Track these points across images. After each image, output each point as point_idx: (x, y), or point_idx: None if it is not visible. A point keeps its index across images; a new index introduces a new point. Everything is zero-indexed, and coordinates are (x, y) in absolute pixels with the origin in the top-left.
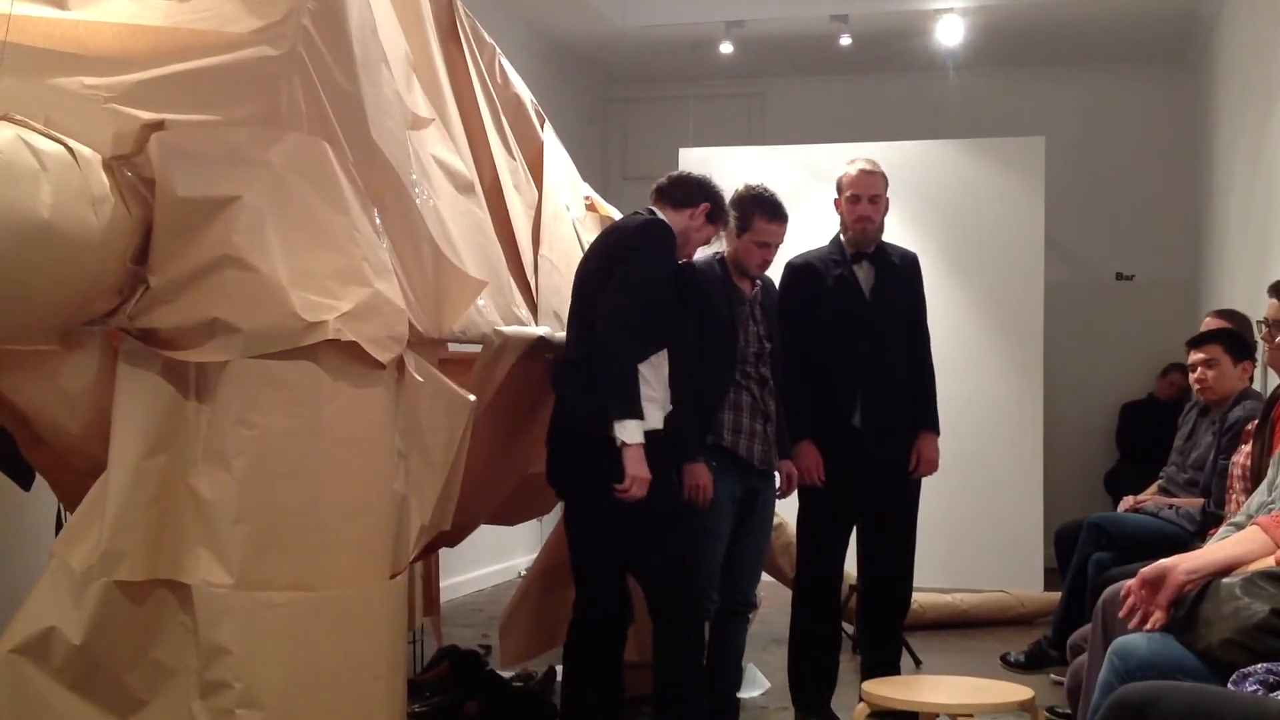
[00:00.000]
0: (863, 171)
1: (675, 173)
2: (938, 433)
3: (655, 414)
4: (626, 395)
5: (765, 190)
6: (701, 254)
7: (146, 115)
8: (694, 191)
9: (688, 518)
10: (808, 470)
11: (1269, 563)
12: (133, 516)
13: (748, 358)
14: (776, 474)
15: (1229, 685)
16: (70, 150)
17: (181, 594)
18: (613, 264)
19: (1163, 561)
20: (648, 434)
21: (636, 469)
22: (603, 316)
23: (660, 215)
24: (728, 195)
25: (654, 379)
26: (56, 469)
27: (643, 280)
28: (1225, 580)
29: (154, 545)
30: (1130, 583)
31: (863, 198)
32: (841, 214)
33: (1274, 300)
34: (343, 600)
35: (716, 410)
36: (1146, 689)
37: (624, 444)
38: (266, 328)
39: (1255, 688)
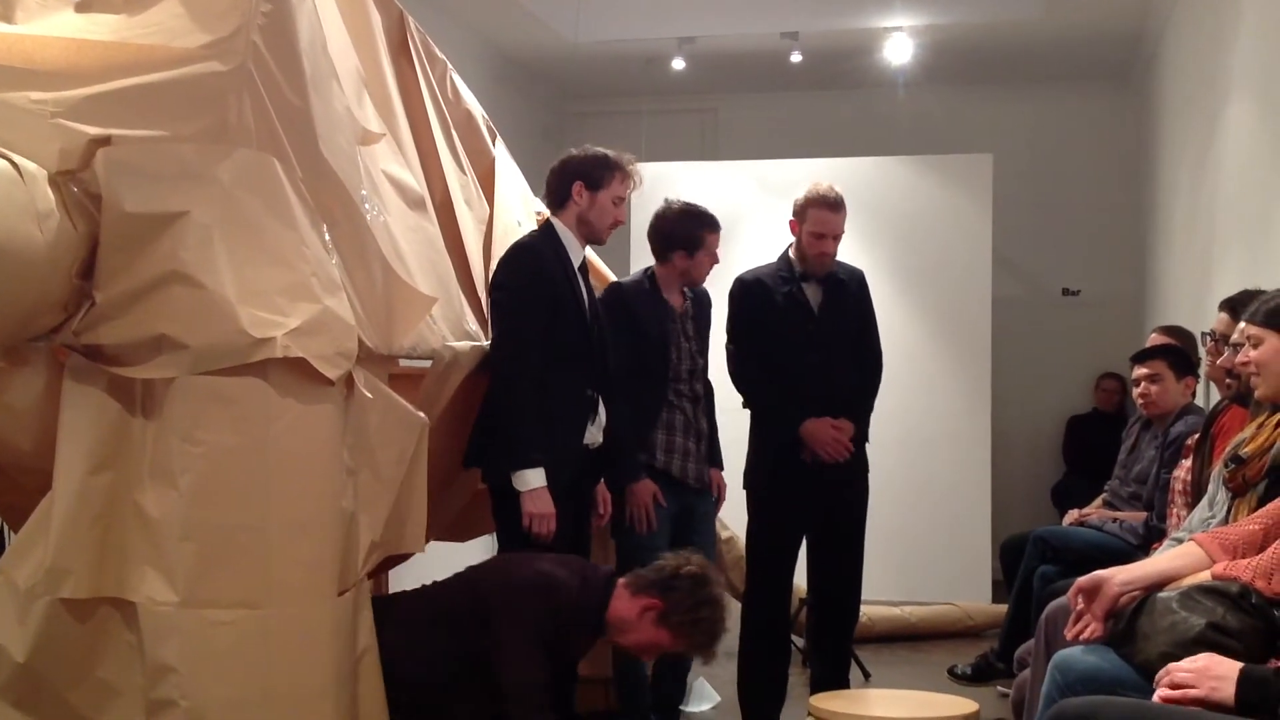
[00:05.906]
0: (829, 210)
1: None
2: (866, 438)
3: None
4: (522, 444)
5: (698, 206)
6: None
7: (93, 130)
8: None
9: (625, 535)
10: (835, 441)
11: (1205, 577)
12: (78, 534)
13: (681, 375)
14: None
15: None
16: (15, 165)
17: (127, 612)
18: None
19: (1098, 572)
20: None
21: (533, 507)
22: (492, 373)
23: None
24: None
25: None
26: (2, 490)
27: (521, 324)
28: (1162, 594)
29: (99, 563)
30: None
31: (827, 236)
32: (799, 238)
33: (1224, 315)
34: (290, 618)
35: (649, 430)
36: (1085, 704)
37: (520, 492)
38: (213, 344)
39: None
